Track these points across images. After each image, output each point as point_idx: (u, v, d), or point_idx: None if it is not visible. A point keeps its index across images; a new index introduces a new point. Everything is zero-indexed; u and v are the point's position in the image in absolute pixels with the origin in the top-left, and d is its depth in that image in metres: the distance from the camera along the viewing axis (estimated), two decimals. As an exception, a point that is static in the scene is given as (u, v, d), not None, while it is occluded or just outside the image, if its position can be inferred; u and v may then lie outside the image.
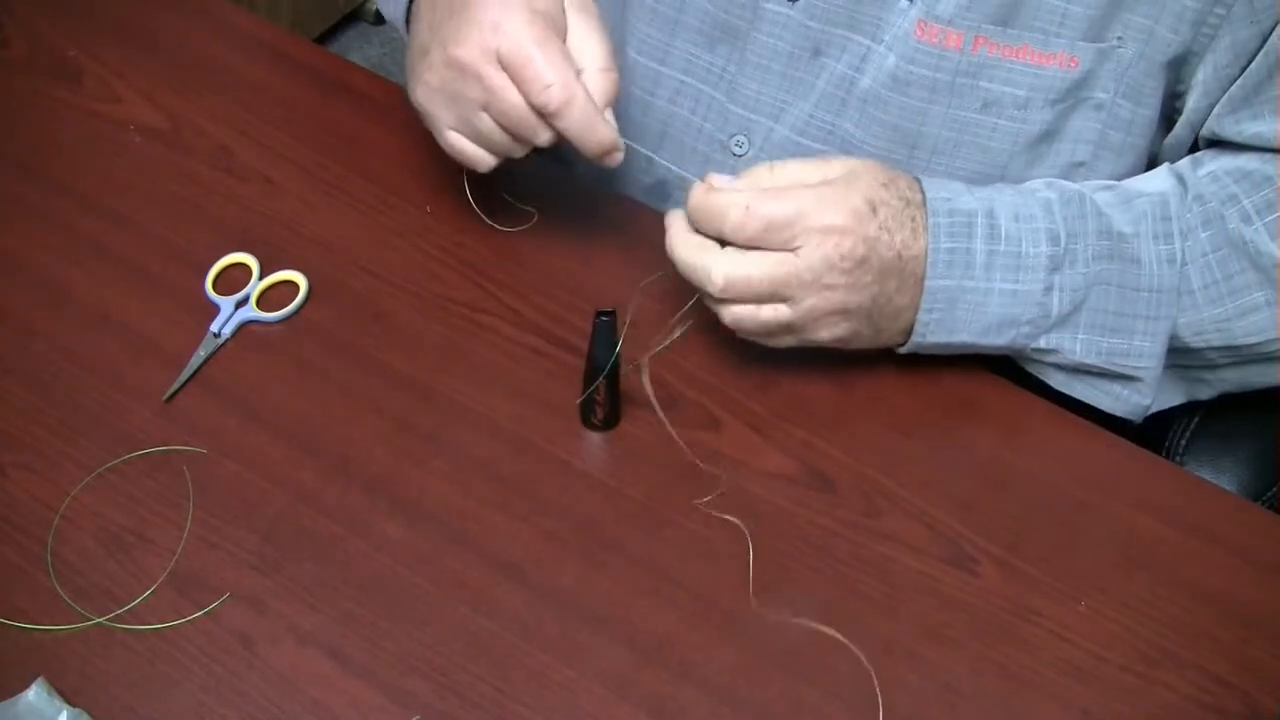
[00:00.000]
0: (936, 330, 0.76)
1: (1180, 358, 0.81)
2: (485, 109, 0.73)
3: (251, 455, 0.73)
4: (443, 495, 0.72)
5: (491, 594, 0.69)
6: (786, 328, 0.74)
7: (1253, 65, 0.78)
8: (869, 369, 0.79)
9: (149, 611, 0.67)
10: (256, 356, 0.78)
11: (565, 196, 0.86)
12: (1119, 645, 0.70)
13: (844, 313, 0.73)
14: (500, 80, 0.71)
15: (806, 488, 0.74)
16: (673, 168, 0.88)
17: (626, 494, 0.73)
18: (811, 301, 0.72)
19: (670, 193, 0.90)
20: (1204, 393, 0.85)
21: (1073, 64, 0.79)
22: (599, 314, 0.72)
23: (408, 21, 0.82)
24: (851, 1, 0.80)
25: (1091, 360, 0.78)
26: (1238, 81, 0.79)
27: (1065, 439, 0.78)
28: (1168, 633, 0.70)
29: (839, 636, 0.68)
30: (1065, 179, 0.83)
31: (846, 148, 0.84)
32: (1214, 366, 0.82)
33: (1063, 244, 0.76)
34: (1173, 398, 0.85)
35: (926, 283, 0.74)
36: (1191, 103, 0.82)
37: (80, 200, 0.84)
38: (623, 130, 0.90)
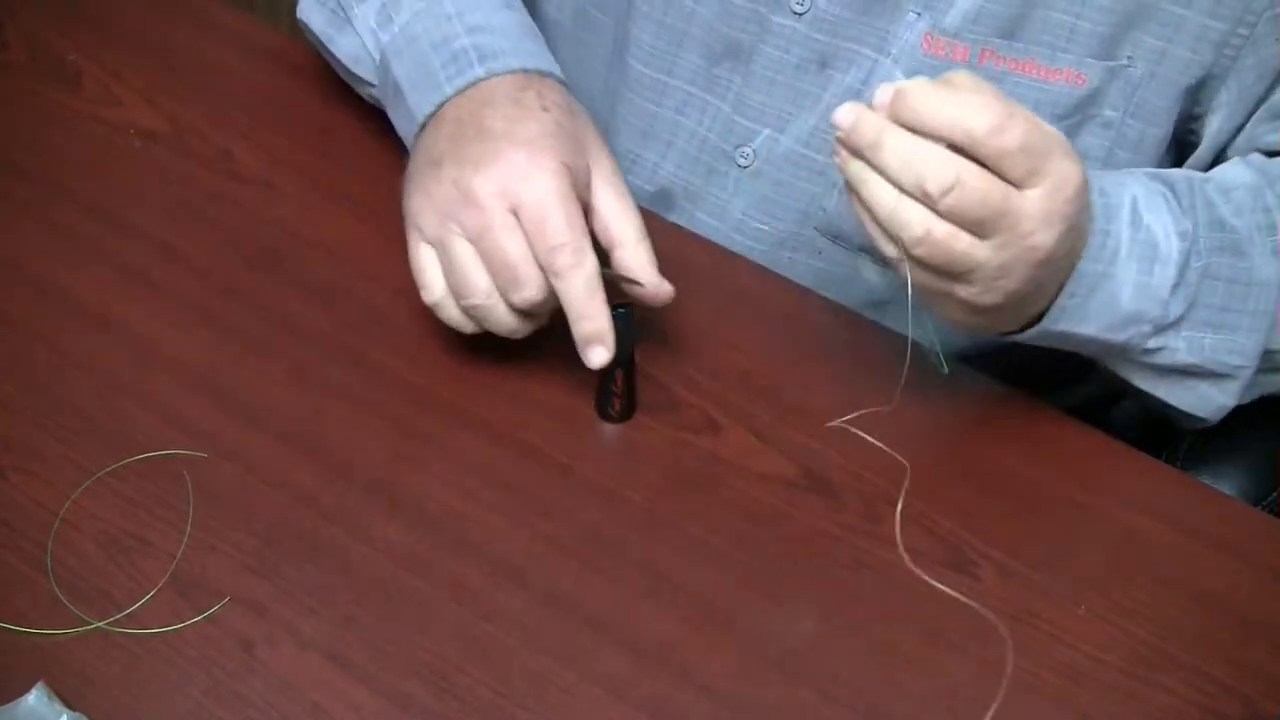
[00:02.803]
0: (1070, 317, 0.72)
1: None
2: (475, 241, 0.70)
3: (251, 458, 0.73)
4: (443, 498, 0.72)
5: (491, 597, 0.69)
6: (968, 273, 0.65)
7: None
8: (869, 373, 0.79)
9: (149, 615, 0.67)
10: (256, 360, 0.78)
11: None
12: (1118, 648, 0.70)
13: (1018, 290, 0.67)
14: (505, 221, 0.69)
15: (806, 492, 0.74)
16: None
17: (627, 497, 0.73)
18: (1009, 255, 0.65)
19: (675, 202, 0.90)
20: (1249, 396, 0.81)
21: (1080, 80, 0.78)
22: (615, 308, 0.72)
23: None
24: (859, 14, 0.80)
25: (1193, 360, 0.76)
26: (1272, 97, 0.78)
27: (1064, 442, 0.78)
28: (1167, 636, 0.70)
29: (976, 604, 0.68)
30: None
31: None
32: (1277, 369, 0.80)
33: (1189, 240, 0.73)
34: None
35: (1080, 264, 0.70)
36: (1215, 124, 0.81)
37: (80, 204, 0.84)
38: (626, 138, 0.90)
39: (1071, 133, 0.81)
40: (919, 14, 0.78)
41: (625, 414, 0.76)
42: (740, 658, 0.68)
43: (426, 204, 0.72)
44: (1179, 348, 0.75)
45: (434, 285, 0.72)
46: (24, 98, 0.91)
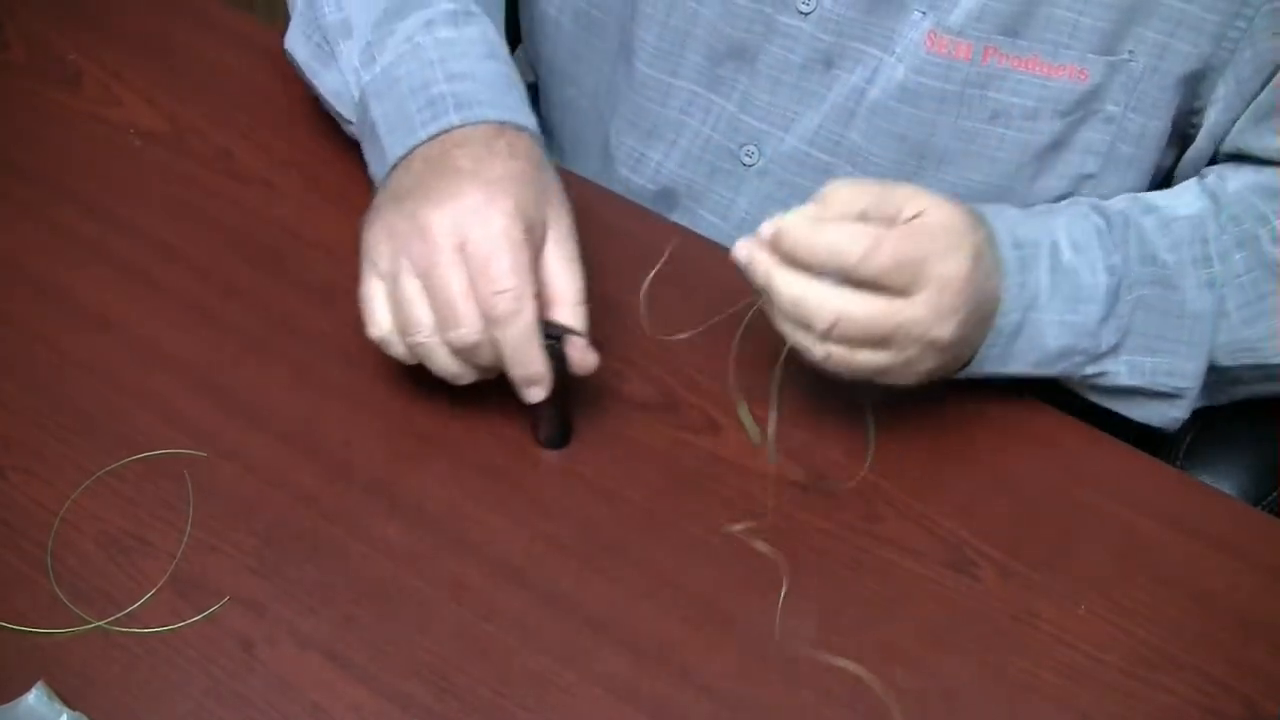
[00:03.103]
0: (995, 363, 0.74)
1: (1208, 374, 0.80)
2: (420, 276, 0.68)
3: (251, 458, 0.73)
4: (443, 498, 0.72)
5: (491, 597, 0.69)
6: (880, 373, 0.70)
7: (1277, 77, 0.78)
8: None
9: (149, 615, 0.67)
10: (256, 360, 0.78)
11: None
12: (1118, 648, 0.70)
13: (935, 367, 0.71)
14: (452, 258, 0.67)
15: (805, 491, 0.74)
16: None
17: (626, 497, 0.73)
18: (911, 353, 0.69)
19: (678, 201, 0.90)
20: (1221, 399, 0.84)
21: (1082, 76, 0.79)
22: (546, 336, 0.70)
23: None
24: (864, 14, 0.80)
25: (1135, 383, 0.77)
26: (1260, 95, 0.79)
27: (1064, 442, 0.78)
28: (1167, 636, 0.70)
29: (852, 666, 0.68)
30: (1073, 191, 0.83)
31: (854, 158, 0.84)
32: (1239, 382, 0.82)
33: (1119, 274, 0.75)
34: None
35: (996, 319, 0.72)
36: (1213, 117, 0.81)
37: (80, 203, 0.84)
38: (630, 137, 0.90)
39: (1074, 128, 0.81)
40: (924, 13, 0.79)
41: (555, 442, 0.75)
42: (740, 658, 0.68)
43: (384, 237, 0.70)
44: (1120, 371, 0.77)
45: (380, 320, 0.70)
46: (24, 98, 0.91)
